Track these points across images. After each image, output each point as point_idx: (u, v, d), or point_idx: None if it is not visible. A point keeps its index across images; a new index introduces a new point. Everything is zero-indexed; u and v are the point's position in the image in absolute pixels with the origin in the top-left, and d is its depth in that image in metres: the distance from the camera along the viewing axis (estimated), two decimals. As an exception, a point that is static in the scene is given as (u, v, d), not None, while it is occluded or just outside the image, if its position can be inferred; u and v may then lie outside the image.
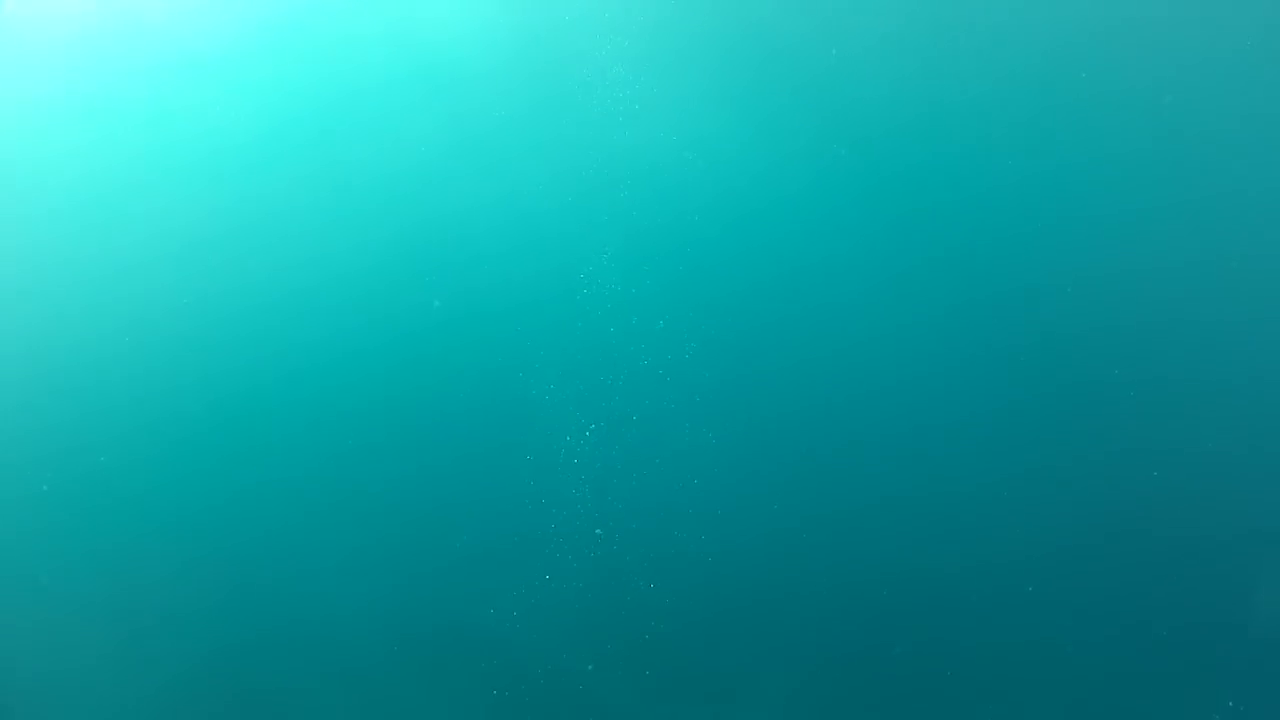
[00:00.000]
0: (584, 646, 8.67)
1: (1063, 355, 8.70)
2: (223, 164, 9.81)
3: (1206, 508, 8.24)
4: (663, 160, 9.33)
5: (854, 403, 9.01)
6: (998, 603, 8.35)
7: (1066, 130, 8.96)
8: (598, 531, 8.74)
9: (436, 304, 9.53)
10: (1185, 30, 8.77)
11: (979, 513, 8.59)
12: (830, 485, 8.92)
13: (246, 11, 9.83)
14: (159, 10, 9.83)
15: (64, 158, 9.82)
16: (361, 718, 8.76)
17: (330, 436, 9.41)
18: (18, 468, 9.39)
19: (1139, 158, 8.89)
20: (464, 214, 9.68)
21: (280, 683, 8.86)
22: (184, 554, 9.22)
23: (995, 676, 8.25)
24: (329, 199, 9.79)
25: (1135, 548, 8.23)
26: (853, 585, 8.64)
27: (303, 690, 8.87)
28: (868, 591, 8.59)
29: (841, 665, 8.55)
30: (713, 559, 8.82)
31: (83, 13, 9.76)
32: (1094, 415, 8.51)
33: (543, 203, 9.54)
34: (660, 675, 8.62)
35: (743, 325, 9.31)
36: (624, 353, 9.06)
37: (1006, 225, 9.04)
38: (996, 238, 9.02)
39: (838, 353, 9.16)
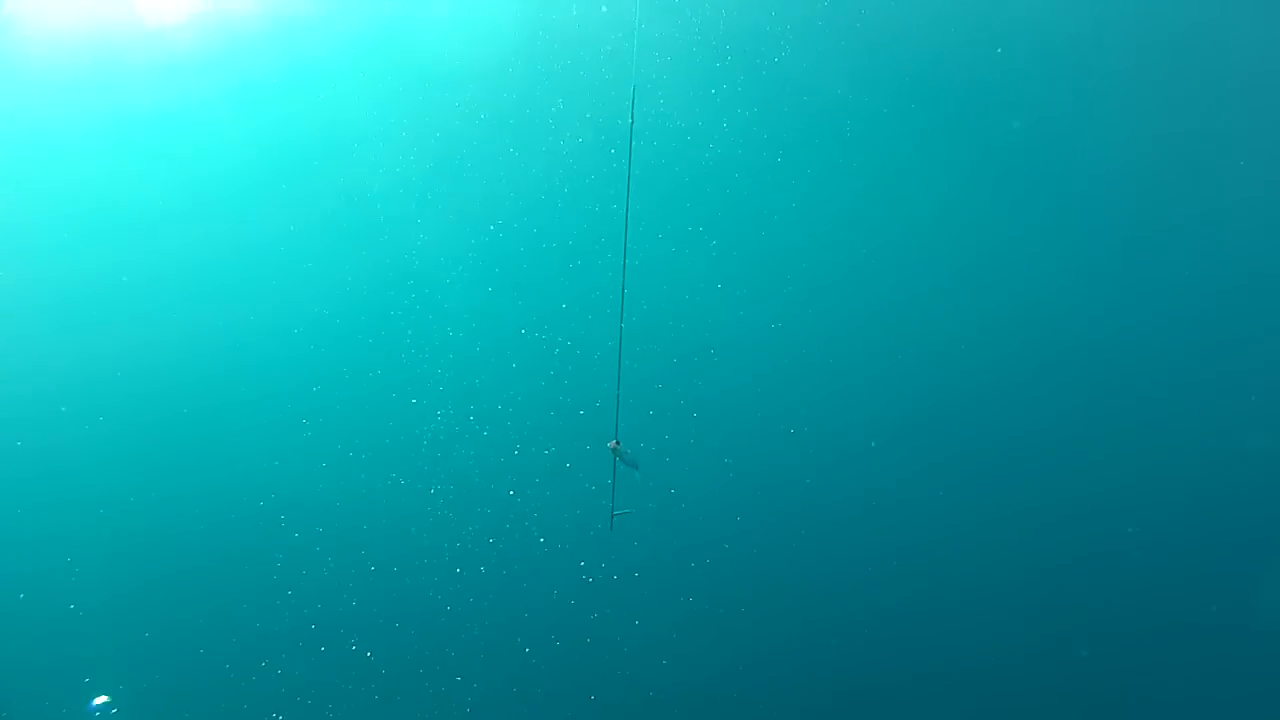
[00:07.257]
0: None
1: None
2: (222, 171, 9.81)
3: (1209, 507, 8.32)
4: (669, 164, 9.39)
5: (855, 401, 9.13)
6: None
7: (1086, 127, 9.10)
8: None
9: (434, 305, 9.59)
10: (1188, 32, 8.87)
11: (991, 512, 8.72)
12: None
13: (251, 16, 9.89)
14: (159, 11, 9.85)
15: (63, 156, 9.79)
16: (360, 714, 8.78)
17: (333, 431, 9.45)
18: (16, 468, 9.35)
19: (1141, 160, 9.01)
20: (467, 216, 9.75)
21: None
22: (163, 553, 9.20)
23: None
24: (323, 203, 9.82)
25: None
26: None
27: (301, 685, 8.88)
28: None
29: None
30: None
31: (83, 14, 9.75)
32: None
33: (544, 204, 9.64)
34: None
35: (747, 326, 9.38)
36: (631, 352, 9.11)
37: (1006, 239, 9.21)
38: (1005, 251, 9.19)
39: (847, 353, 9.29)
